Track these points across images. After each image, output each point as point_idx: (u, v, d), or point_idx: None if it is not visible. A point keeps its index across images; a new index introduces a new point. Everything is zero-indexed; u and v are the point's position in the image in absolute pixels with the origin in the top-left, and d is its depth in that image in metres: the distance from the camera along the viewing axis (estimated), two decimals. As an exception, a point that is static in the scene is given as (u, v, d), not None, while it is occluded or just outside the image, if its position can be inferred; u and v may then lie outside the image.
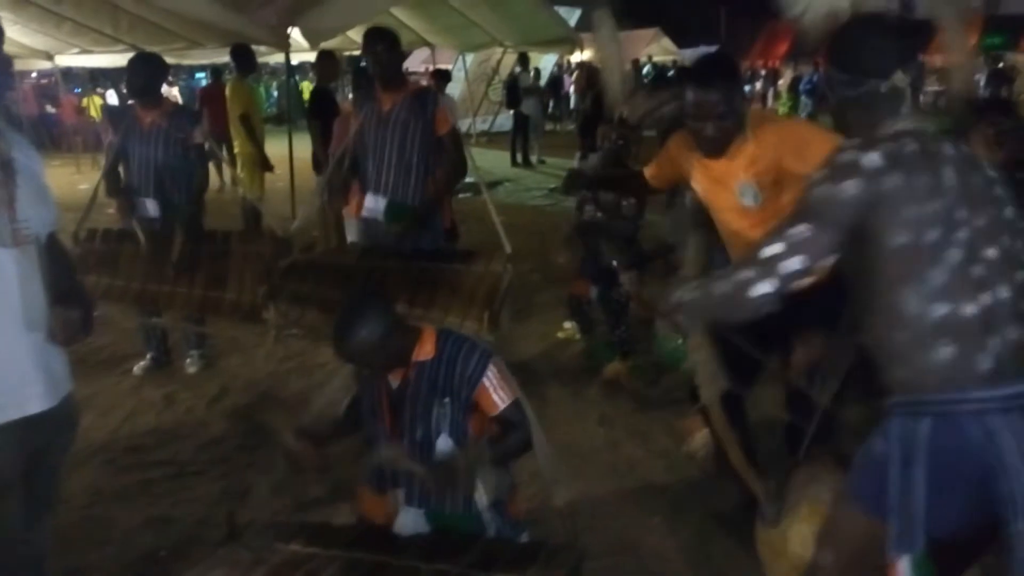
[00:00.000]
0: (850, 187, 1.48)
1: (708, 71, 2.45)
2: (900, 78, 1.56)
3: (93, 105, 15.29)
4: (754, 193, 2.44)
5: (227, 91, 7.02)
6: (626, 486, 3.30)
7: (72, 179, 11.93)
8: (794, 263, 1.52)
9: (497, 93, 14.30)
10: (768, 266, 1.54)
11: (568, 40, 10.28)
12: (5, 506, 1.95)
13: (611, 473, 3.40)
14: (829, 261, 1.56)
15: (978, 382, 1.45)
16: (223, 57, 8.25)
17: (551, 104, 18.45)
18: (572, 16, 17.13)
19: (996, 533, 1.45)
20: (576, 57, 13.10)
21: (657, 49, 22.06)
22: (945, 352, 1.46)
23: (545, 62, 16.15)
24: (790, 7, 1.88)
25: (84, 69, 14.92)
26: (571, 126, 17.82)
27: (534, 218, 8.40)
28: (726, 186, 2.50)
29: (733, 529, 2.88)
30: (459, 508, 2.19)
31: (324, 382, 4.33)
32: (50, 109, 16.71)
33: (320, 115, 5.98)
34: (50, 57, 10.05)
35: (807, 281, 1.59)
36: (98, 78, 16.88)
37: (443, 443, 2.16)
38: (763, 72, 24.95)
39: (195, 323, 4.55)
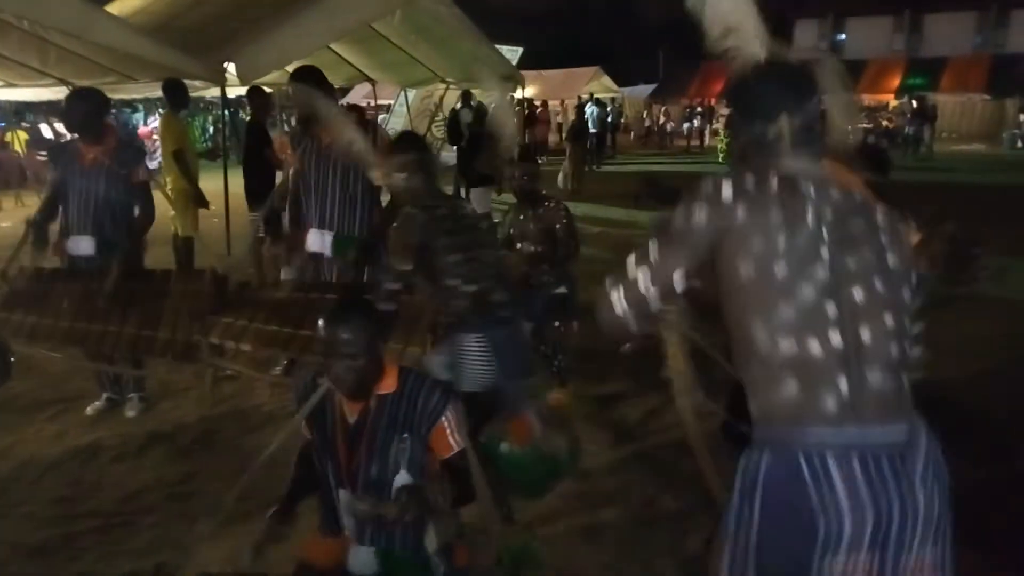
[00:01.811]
0: (700, 213, 1.51)
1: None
2: (785, 121, 1.56)
3: (18, 140, 14.83)
4: None
5: (159, 126, 6.87)
6: (573, 524, 3.24)
7: (-5, 216, 11.50)
8: (637, 274, 1.55)
9: (440, 130, 14.34)
10: (619, 275, 1.58)
11: (510, 78, 10.38)
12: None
13: (557, 512, 3.33)
14: (675, 283, 1.54)
15: (820, 420, 1.43)
16: (155, 92, 8.09)
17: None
18: (514, 55, 17.41)
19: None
20: (517, 94, 13.26)
21: (598, 87, 22.51)
22: (790, 387, 1.44)
23: (488, 99, 16.31)
24: (714, 36, 1.80)
25: (8, 102, 14.44)
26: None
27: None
28: None
29: (685, 566, 2.84)
30: (408, 548, 2.13)
31: (259, 427, 4.22)
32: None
33: (253, 150, 6.04)
34: (-28, 91, 9.72)
35: (655, 302, 1.56)
36: (23, 112, 16.38)
37: (399, 482, 2.09)
38: (699, 110, 25.64)
39: (132, 365, 4.37)
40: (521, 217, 4.26)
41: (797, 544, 1.44)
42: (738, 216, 1.48)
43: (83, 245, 4.04)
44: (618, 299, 1.58)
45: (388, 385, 2.13)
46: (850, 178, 1.70)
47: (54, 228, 4.19)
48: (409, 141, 3.22)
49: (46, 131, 15.33)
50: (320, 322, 2.03)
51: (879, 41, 32.48)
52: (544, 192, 4.36)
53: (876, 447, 1.43)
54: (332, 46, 9.03)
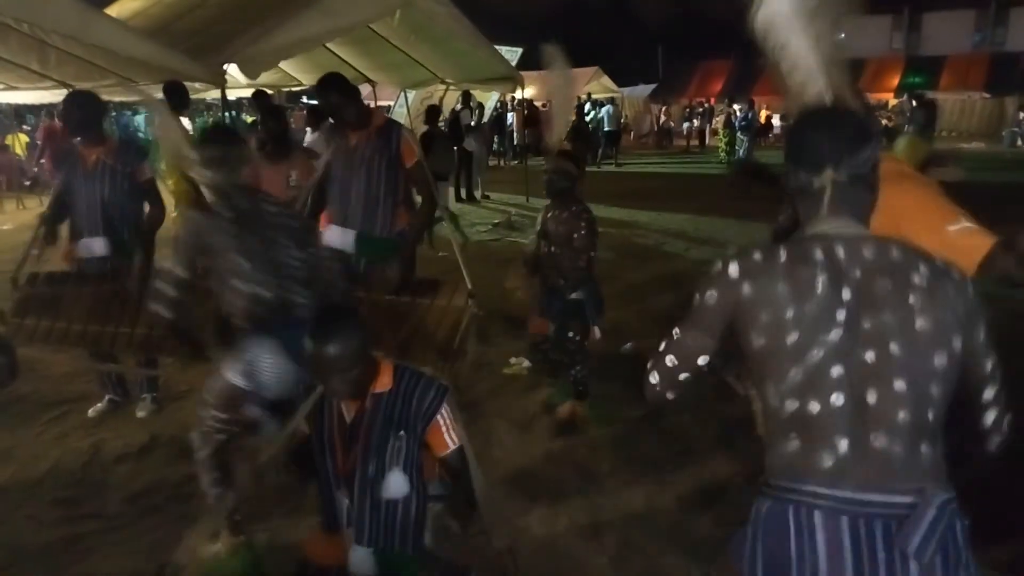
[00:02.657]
0: (711, 295, 1.56)
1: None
2: (828, 175, 1.52)
3: (18, 143, 14.83)
4: None
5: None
6: (574, 524, 3.24)
7: (-4, 219, 11.52)
8: (668, 360, 1.64)
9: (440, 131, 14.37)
10: (655, 359, 1.68)
11: (510, 78, 10.39)
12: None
13: (558, 511, 3.34)
14: (699, 363, 1.62)
15: (815, 477, 1.43)
16: (156, 94, 8.08)
17: (495, 141, 18.62)
18: (514, 55, 17.42)
19: None
20: (517, 95, 13.26)
21: (597, 87, 22.50)
22: (793, 443, 1.46)
23: (490, 100, 16.33)
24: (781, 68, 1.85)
25: (8, 105, 14.43)
26: (514, 162, 18.01)
27: (477, 252, 8.38)
28: None
29: (681, 569, 2.85)
30: (408, 548, 2.14)
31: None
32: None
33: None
34: (-28, 94, 9.73)
35: (686, 378, 1.65)
36: (24, 115, 16.37)
37: (396, 481, 2.11)
38: (700, 110, 25.64)
39: (147, 366, 4.37)
40: (549, 215, 4.18)
41: None
42: (744, 292, 1.51)
43: (96, 246, 4.04)
44: (656, 379, 1.68)
45: (384, 383, 2.15)
46: (901, 226, 1.76)
47: (63, 231, 4.19)
48: (216, 135, 3.10)
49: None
50: (307, 342, 2.03)
51: (878, 40, 32.44)
52: (577, 195, 4.19)
53: (870, 512, 1.39)
54: (332, 48, 9.03)
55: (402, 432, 2.11)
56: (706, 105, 26.83)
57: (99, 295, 3.89)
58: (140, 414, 4.39)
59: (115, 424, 4.31)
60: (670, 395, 1.67)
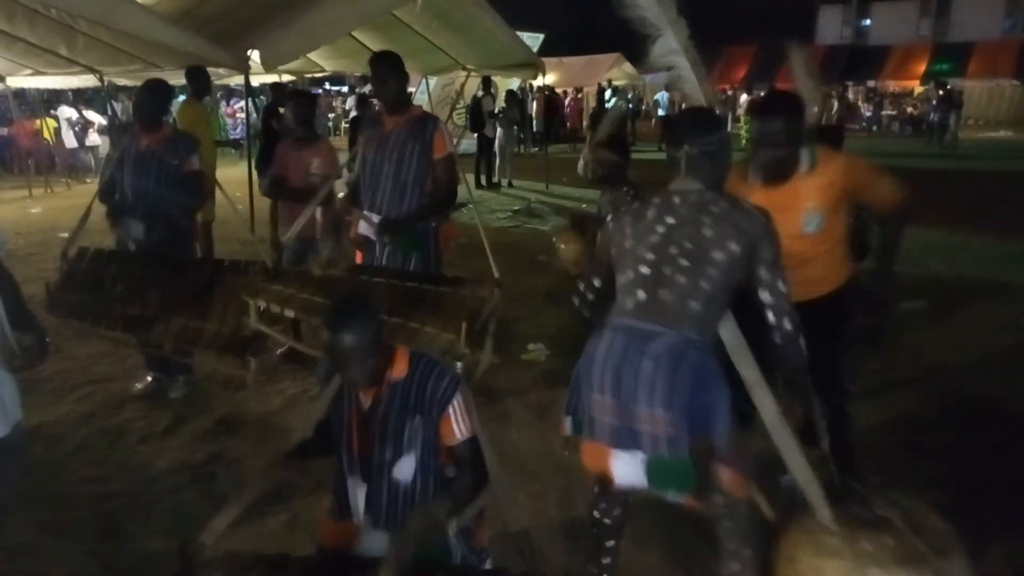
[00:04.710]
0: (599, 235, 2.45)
1: (773, 104, 2.79)
2: (686, 150, 2.26)
3: (47, 127, 14.99)
4: (818, 221, 2.72)
5: (177, 113, 6.94)
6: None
7: (24, 203, 11.68)
8: (580, 286, 2.57)
9: (461, 117, 14.37)
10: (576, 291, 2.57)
11: (531, 65, 10.34)
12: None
13: (574, 495, 3.36)
14: (597, 282, 2.48)
15: (621, 315, 2.21)
16: (180, 79, 8.17)
17: (516, 128, 18.60)
18: (535, 41, 17.34)
19: None
20: (538, 81, 13.21)
21: (618, 74, 22.34)
22: (619, 299, 2.26)
23: (511, 86, 16.28)
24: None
25: (38, 91, 14.60)
26: (534, 149, 17.97)
27: (497, 239, 8.40)
28: (789, 213, 2.63)
29: (697, 556, 2.86)
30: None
31: (281, 410, 4.29)
32: (1, 132, 16.33)
33: (268, 130, 7.05)
34: (1, 79, 9.85)
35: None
36: (52, 100, 16.55)
37: (404, 464, 2.15)
38: (723, 97, 25.40)
39: (181, 354, 4.41)
40: (603, 197, 4.33)
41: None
42: (609, 227, 2.38)
43: (133, 228, 4.14)
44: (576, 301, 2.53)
45: (399, 370, 2.17)
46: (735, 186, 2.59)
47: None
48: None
49: (74, 116, 15.46)
50: (324, 331, 2.05)
51: (905, 26, 31.93)
52: (627, 177, 4.29)
53: (644, 331, 2.13)
54: (353, 34, 9.04)
55: (419, 417, 2.14)
56: (730, 92, 26.57)
57: (138, 279, 3.94)
58: (173, 395, 4.47)
59: (140, 404, 4.39)
60: (585, 312, 2.50)
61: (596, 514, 2.55)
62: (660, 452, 2.08)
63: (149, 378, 4.55)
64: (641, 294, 2.17)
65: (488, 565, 2.26)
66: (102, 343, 4.78)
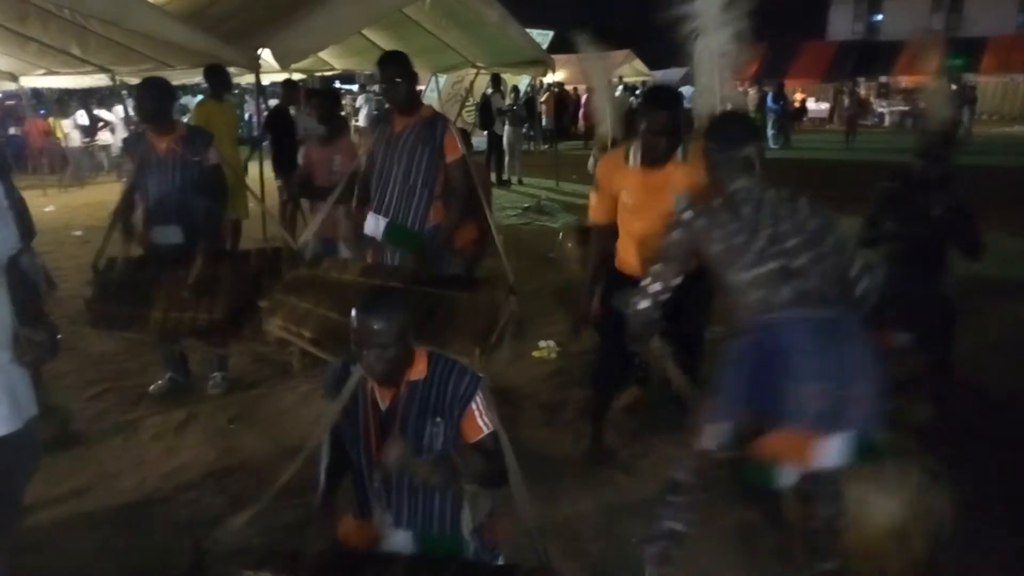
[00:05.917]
0: (676, 234, 2.54)
1: (665, 96, 3.30)
2: (751, 150, 2.45)
3: (60, 127, 15.08)
4: (686, 203, 3.00)
5: (194, 112, 6.97)
6: (602, 506, 3.28)
7: (38, 202, 11.73)
8: (655, 287, 2.59)
9: (471, 114, 14.37)
10: (640, 292, 2.61)
11: (541, 62, 10.33)
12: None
13: (586, 494, 3.37)
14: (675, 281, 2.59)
15: (777, 308, 2.32)
16: (196, 77, 8.23)
17: (526, 125, 18.58)
18: (545, 38, 17.31)
19: None
20: (548, 79, 13.20)
21: (629, 70, 22.27)
22: (757, 294, 2.35)
23: (521, 83, 16.27)
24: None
25: (51, 90, 14.69)
26: (544, 146, 17.94)
27: (508, 236, 8.40)
28: (663, 194, 3.14)
29: (716, 550, 2.86)
30: (447, 531, 2.18)
31: (294, 407, 4.31)
32: (13, 131, 16.43)
33: (273, 131, 7.35)
34: (15, 79, 9.91)
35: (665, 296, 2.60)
36: (65, 100, 16.64)
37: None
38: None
39: (218, 346, 4.39)
40: None
41: None
42: (697, 225, 2.48)
43: (171, 234, 4.09)
44: (646, 304, 2.62)
45: (419, 371, 2.16)
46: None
47: (137, 217, 4.22)
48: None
49: (82, 118, 15.55)
50: (353, 311, 2.06)
51: (917, 21, 31.67)
52: None
53: (818, 318, 2.30)
54: (364, 32, 9.05)
55: (439, 419, 2.13)
56: (740, 88, 26.42)
57: (174, 281, 3.93)
58: (213, 391, 4.49)
59: (154, 402, 4.42)
60: (655, 314, 2.59)
61: (683, 477, 2.56)
62: (867, 426, 2.24)
63: (168, 376, 4.57)
64: (787, 285, 2.30)
65: (501, 562, 2.26)
66: (116, 341, 4.81)
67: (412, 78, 3.85)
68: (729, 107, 3.12)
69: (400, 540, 2.18)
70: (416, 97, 3.94)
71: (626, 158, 3.31)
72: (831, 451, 2.24)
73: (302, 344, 3.66)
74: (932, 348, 3.51)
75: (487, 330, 3.23)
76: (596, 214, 3.48)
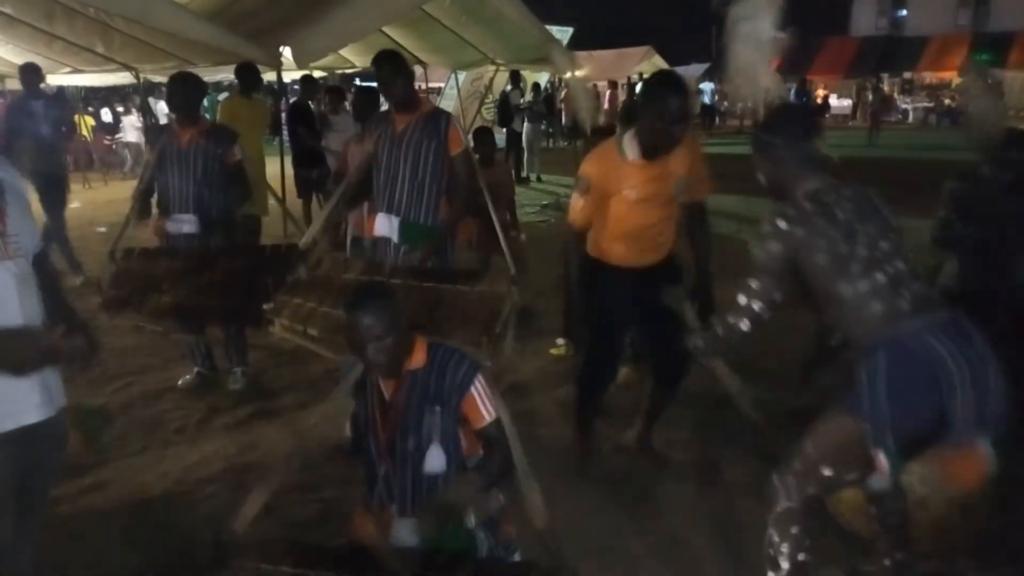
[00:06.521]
0: (774, 246, 2.26)
1: (675, 81, 3.11)
2: (818, 145, 2.30)
3: (84, 124, 15.27)
4: (684, 187, 3.14)
5: (220, 110, 7.01)
6: (619, 503, 3.28)
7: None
8: (755, 305, 2.33)
9: (490, 111, 14.37)
10: (736, 310, 2.37)
11: (562, 59, 10.29)
12: (-2, 523, 1.95)
13: (603, 491, 3.37)
14: (777, 295, 2.32)
15: (903, 319, 2.13)
16: (217, 75, 8.32)
17: (545, 122, 18.56)
18: (564, 35, 17.26)
19: None
20: (568, 76, 13.16)
21: (648, 67, 22.14)
22: (876, 307, 2.15)
23: (540, 80, 16.24)
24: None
25: (76, 88, 14.87)
26: (563, 143, 17.91)
27: (527, 233, 8.39)
28: (664, 183, 3.11)
29: (731, 542, 2.85)
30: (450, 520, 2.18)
31: (314, 401, 4.34)
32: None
33: (293, 127, 7.68)
34: (42, 78, 10.04)
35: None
36: (89, 97, 16.84)
37: (434, 456, 2.16)
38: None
39: (236, 337, 4.54)
40: None
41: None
42: (798, 234, 2.21)
43: (186, 224, 4.18)
44: (746, 325, 2.37)
45: (418, 360, 2.19)
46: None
47: (154, 202, 4.35)
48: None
49: (106, 116, 15.75)
50: (344, 313, 2.10)
51: (942, 16, 31.22)
52: None
53: (942, 321, 2.16)
54: (384, 30, 9.09)
55: (437, 407, 2.15)
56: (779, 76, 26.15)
57: (188, 269, 3.99)
58: (233, 386, 4.53)
59: (176, 396, 4.48)
60: (753, 335, 2.37)
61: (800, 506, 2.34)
62: (1000, 427, 2.14)
63: (195, 371, 4.62)
64: (901, 294, 2.15)
65: (517, 558, 2.26)
66: (139, 336, 4.87)
67: (409, 76, 3.84)
68: (778, 98, 3.03)
69: (407, 529, 2.17)
70: (414, 94, 3.92)
71: (618, 152, 3.11)
72: (989, 458, 2.09)
73: (308, 343, 3.70)
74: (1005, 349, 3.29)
75: (491, 320, 3.24)
76: (580, 217, 3.26)
